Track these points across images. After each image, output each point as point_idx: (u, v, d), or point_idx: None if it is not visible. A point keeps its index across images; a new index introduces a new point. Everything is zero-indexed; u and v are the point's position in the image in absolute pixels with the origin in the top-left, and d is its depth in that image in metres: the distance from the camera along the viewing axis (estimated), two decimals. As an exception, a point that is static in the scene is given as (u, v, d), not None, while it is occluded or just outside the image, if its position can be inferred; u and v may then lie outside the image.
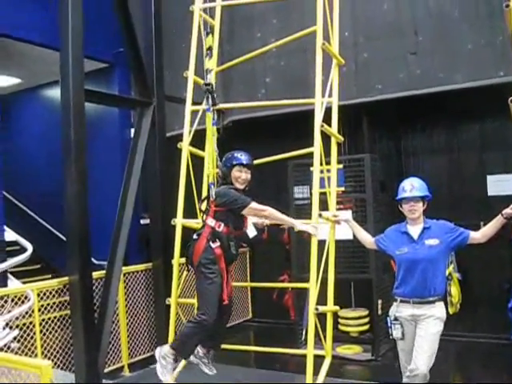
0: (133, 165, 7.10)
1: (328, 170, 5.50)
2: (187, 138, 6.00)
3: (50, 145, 9.09)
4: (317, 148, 5.09)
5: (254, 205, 4.90)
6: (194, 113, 6.13)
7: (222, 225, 4.93)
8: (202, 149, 6.06)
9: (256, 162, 6.02)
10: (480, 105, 7.19)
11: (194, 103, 6.13)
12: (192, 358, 5.13)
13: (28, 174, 11.01)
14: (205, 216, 5.09)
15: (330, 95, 5.62)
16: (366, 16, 7.43)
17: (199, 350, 5.12)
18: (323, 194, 5.40)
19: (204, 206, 5.26)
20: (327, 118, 5.42)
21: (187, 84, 6.16)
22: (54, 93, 9.91)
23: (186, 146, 5.96)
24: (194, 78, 6.14)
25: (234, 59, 6.81)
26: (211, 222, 4.96)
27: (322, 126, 5.11)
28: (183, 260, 6.03)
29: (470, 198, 7.62)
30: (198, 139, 6.04)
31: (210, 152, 5.69)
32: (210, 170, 5.60)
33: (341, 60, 5.81)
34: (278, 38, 6.67)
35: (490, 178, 7.54)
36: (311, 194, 5.38)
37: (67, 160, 6.09)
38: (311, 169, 5.31)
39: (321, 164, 5.17)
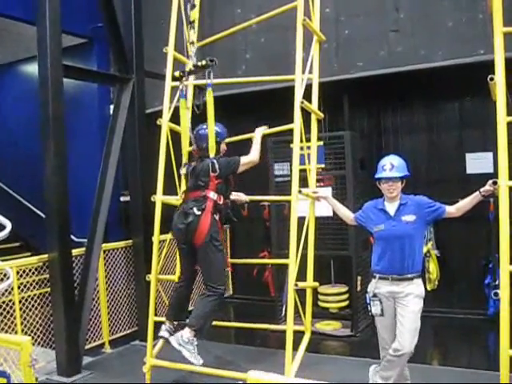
0: (112, 141, 7.03)
1: (308, 147, 5.50)
2: (167, 114, 5.95)
3: (29, 122, 9.00)
4: (297, 125, 5.08)
5: (243, 159, 5.28)
6: (174, 89, 6.08)
7: (222, 197, 5.18)
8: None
9: (235, 138, 6.03)
10: (460, 83, 7.21)
11: (174, 79, 6.07)
12: (177, 346, 5.07)
13: (6, 151, 10.89)
14: (200, 191, 5.14)
15: (311, 72, 5.59)
16: (348, -8, 7.38)
17: (183, 333, 5.07)
18: (303, 171, 5.41)
19: (183, 171, 5.46)
20: (308, 95, 5.39)
21: (167, 60, 6.09)
22: (32, 68, 9.78)
23: (165, 123, 5.92)
24: (174, 54, 6.07)
25: (214, 35, 6.73)
26: (213, 195, 5.13)
27: (302, 102, 5.09)
28: (163, 237, 6.07)
29: (449, 176, 7.68)
30: (178, 115, 5.99)
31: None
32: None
33: (322, 36, 5.78)
34: (258, 14, 6.59)
35: (468, 156, 7.60)
36: (291, 170, 5.38)
37: (46, 137, 6.02)
38: (291, 145, 5.30)
39: (301, 141, 5.17)
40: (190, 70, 5.74)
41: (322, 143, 6.70)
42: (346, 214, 5.05)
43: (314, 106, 5.57)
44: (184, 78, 5.63)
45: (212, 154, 5.25)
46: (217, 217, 5.16)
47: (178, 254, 5.62)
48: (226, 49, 7.67)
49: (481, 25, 6.54)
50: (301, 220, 5.22)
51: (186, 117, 5.68)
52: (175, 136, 5.99)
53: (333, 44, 7.24)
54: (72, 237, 6.49)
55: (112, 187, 6.98)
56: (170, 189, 5.94)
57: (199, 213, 5.05)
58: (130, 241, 7.41)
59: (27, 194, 10.60)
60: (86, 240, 6.86)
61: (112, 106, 7.56)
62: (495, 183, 4.24)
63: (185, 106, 5.73)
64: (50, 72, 5.94)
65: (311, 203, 5.37)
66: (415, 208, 4.59)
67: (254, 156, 5.35)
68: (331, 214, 6.12)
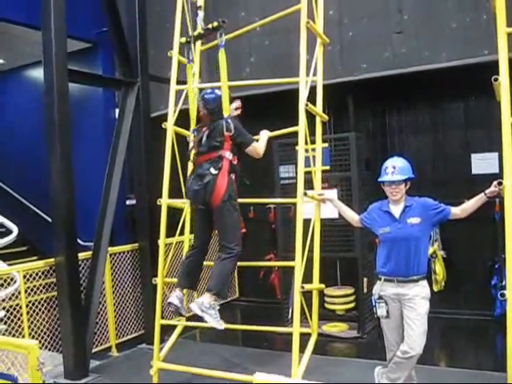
0: (118, 145, 7.06)
1: (313, 149, 5.51)
2: (172, 117, 5.97)
3: (35, 127, 9.04)
4: (301, 127, 5.08)
5: (255, 144, 5.19)
6: (179, 92, 6.10)
7: (236, 158, 5.11)
8: (187, 128, 6.04)
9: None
10: (465, 83, 7.21)
11: (179, 82, 6.10)
12: (199, 312, 4.94)
13: (13, 155, 10.94)
14: (216, 152, 5.06)
15: (315, 74, 5.60)
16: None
17: (205, 299, 4.95)
18: (309, 173, 5.42)
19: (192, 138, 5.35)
20: (312, 97, 5.41)
21: (171, 63, 6.12)
22: (38, 73, 9.82)
23: (170, 126, 5.94)
24: (179, 58, 6.09)
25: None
26: (229, 155, 5.05)
27: (307, 104, 5.10)
28: (169, 240, 6.08)
29: (455, 177, 7.67)
30: (183, 119, 6.01)
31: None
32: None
33: (325, 39, 5.79)
34: (262, 17, 6.61)
35: (474, 157, 7.59)
36: (297, 173, 5.38)
37: (52, 142, 6.05)
38: (296, 148, 5.31)
39: (306, 143, 5.17)
40: (199, 33, 5.78)
41: (326, 145, 6.71)
42: (352, 216, 5.05)
43: (318, 108, 5.58)
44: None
45: (226, 115, 5.23)
46: (233, 176, 5.09)
47: (193, 220, 5.51)
48: (231, 52, 7.63)
49: (484, 25, 6.53)
50: (306, 222, 5.22)
51: (191, 81, 5.72)
52: (180, 139, 6.01)
53: (337, 46, 7.25)
54: (78, 240, 6.51)
55: (118, 191, 7.00)
56: (175, 192, 5.96)
57: (216, 172, 4.98)
58: (136, 244, 7.43)
59: (34, 199, 10.64)
60: (92, 244, 6.88)
61: (117, 110, 7.58)
62: (500, 184, 4.23)
63: (191, 72, 5.76)
64: (56, 77, 5.97)
65: (317, 205, 5.37)
66: (420, 210, 4.58)
67: (261, 147, 5.26)
68: (337, 215, 6.12)
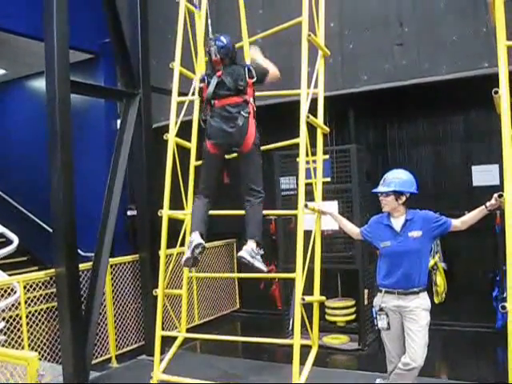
0: (119, 156, 7.07)
1: (314, 161, 5.51)
2: (173, 129, 5.98)
3: (36, 136, 9.07)
4: (302, 139, 5.09)
5: (269, 72, 5.24)
6: (180, 104, 6.11)
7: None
8: (189, 140, 6.05)
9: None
10: (465, 95, 7.23)
11: (180, 94, 6.11)
12: (250, 259, 4.97)
13: (14, 166, 10.96)
14: (240, 96, 5.07)
15: (316, 86, 5.61)
16: (352, 7, 7.45)
17: (252, 245, 5.00)
18: (309, 185, 5.42)
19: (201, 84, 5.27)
20: (313, 109, 5.42)
21: (173, 75, 6.13)
22: (40, 84, 9.87)
23: (172, 138, 5.94)
24: (180, 69, 6.11)
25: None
26: (252, 101, 5.12)
27: (308, 117, 5.11)
28: (170, 251, 6.07)
29: (455, 189, 7.68)
30: (185, 130, 6.02)
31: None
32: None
33: (327, 51, 5.80)
34: (264, 28, 6.64)
35: (474, 169, 7.60)
36: (298, 184, 5.38)
37: (53, 151, 6.06)
38: (297, 159, 5.31)
39: (307, 155, 5.18)
40: None
41: (327, 157, 6.72)
42: (352, 230, 5.06)
43: (319, 120, 5.59)
44: None
45: (248, 61, 5.29)
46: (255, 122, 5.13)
47: (204, 169, 5.38)
48: (232, 63, 7.71)
49: (484, 38, 6.58)
50: (307, 233, 5.22)
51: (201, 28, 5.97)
52: (182, 151, 6.02)
53: (338, 58, 7.29)
54: (79, 251, 6.51)
55: (119, 201, 7.01)
56: (176, 203, 5.96)
57: (247, 115, 5.00)
58: (137, 255, 7.42)
59: (34, 208, 10.65)
60: (92, 254, 6.87)
61: (119, 121, 7.60)
62: (501, 196, 4.23)
63: (200, 17, 6.04)
64: (58, 88, 5.99)
65: (317, 217, 5.37)
66: (421, 223, 4.59)
67: (272, 68, 5.31)
68: (337, 227, 6.12)
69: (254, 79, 5.09)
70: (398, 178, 4.68)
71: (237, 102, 5.06)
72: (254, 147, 5.07)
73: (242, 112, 4.99)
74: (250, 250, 4.97)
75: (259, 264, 5.00)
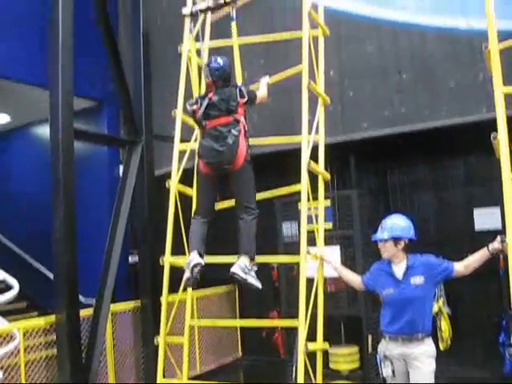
0: (121, 203, 7.10)
1: (315, 207, 5.53)
2: (175, 176, 6.02)
3: (39, 182, 9.09)
4: (304, 186, 5.13)
5: (258, 95, 5.48)
6: (182, 151, 6.18)
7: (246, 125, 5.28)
8: (191, 187, 6.09)
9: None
10: (464, 140, 7.29)
11: (183, 141, 6.19)
12: (243, 275, 4.96)
13: (16, 211, 10.97)
14: (231, 116, 5.15)
15: (317, 133, 5.68)
16: (351, 56, 7.59)
17: (245, 261, 4.99)
18: (311, 231, 5.42)
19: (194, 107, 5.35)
20: (314, 155, 5.47)
21: (176, 122, 6.22)
22: (44, 131, 9.97)
23: (174, 185, 5.98)
24: (182, 117, 6.20)
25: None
26: (243, 120, 5.21)
27: (309, 164, 5.16)
28: (171, 298, 6.03)
29: (458, 233, 7.66)
30: (187, 177, 6.06)
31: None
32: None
33: (326, 99, 5.90)
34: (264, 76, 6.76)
35: (476, 212, 7.60)
36: (299, 230, 5.39)
37: (56, 199, 6.08)
38: (299, 206, 5.33)
39: (308, 201, 5.20)
40: (208, 7, 6.06)
41: (329, 203, 6.74)
42: (354, 280, 5.00)
43: (320, 167, 5.63)
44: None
45: (239, 83, 5.44)
46: (247, 141, 5.21)
47: (198, 190, 5.48)
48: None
49: (482, 84, 6.68)
50: (310, 280, 5.20)
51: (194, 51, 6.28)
52: (184, 198, 6.05)
53: (338, 105, 7.38)
54: (79, 297, 6.46)
55: (121, 247, 7.00)
56: (178, 249, 5.95)
57: (237, 134, 5.05)
58: (139, 302, 7.36)
59: (35, 254, 10.61)
60: (93, 300, 6.82)
61: (121, 167, 7.65)
62: (503, 241, 4.23)
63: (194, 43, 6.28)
64: (62, 136, 6.05)
65: (320, 264, 5.35)
66: (423, 269, 4.56)
67: (264, 93, 5.56)
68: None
69: (245, 99, 5.21)
70: (396, 224, 4.67)
71: (227, 121, 5.14)
72: (246, 164, 5.10)
73: (232, 131, 5.06)
74: (243, 266, 4.95)
75: (253, 280, 4.99)
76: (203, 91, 5.94)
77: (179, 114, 6.19)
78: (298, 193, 5.23)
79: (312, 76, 5.70)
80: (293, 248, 6.91)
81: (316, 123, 5.68)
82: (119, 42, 7.55)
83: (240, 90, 5.23)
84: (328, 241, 6.79)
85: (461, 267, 4.55)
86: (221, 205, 5.87)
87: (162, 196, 6.75)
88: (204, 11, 6.22)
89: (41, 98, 7.25)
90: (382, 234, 4.65)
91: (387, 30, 7.46)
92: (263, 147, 7.42)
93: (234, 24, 6.05)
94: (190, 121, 6.27)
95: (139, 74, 7.38)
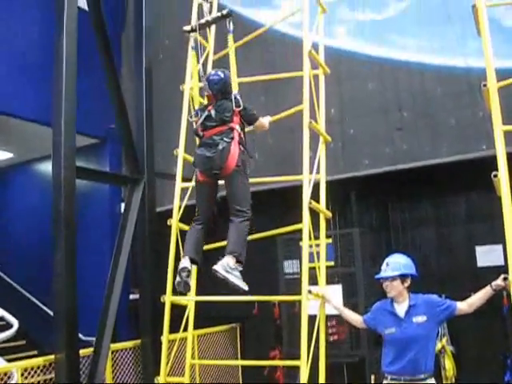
0: (122, 240, 7.09)
1: (317, 245, 5.52)
2: (177, 214, 6.02)
3: (40, 219, 9.11)
4: (305, 224, 5.13)
5: (261, 119, 5.65)
6: (184, 189, 6.19)
7: (243, 134, 5.40)
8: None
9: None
10: (465, 177, 7.31)
11: (184, 180, 6.21)
12: (224, 273, 4.93)
13: (16, 248, 10.95)
14: (226, 125, 5.27)
15: (318, 171, 5.70)
16: (351, 94, 7.67)
17: (229, 260, 4.96)
18: (313, 269, 5.40)
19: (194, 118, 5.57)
20: (316, 192, 5.48)
21: (178, 160, 6.25)
22: (46, 167, 10.02)
23: (175, 223, 5.98)
24: (184, 156, 6.23)
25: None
26: (238, 127, 5.31)
27: (310, 203, 5.17)
28: (172, 336, 5.97)
29: (460, 270, 7.61)
30: (188, 215, 6.06)
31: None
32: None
33: (328, 138, 5.94)
34: (265, 115, 6.81)
35: (478, 249, 7.56)
36: (301, 268, 5.37)
37: (57, 237, 6.07)
38: (300, 243, 5.32)
39: (309, 238, 5.20)
40: (207, 21, 6.23)
41: (330, 240, 6.73)
42: (355, 319, 5.00)
43: (321, 204, 5.64)
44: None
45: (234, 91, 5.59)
46: (242, 148, 5.28)
47: (196, 197, 5.55)
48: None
49: (481, 122, 6.72)
50: (312, 318, 5.16)
51: (196, 67, 6.31)
52: (185, 236, 6.03)
53: (339, 143, 7.43)
54: (79, 335, 6.40)
55: (122, 285, 6.96)
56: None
57: (229, 140, 5.17)
58: (139, 341, 7.28)
59: (35, 291, 10.55)
60: (93, 338, 6.75)
61: (123, 204, 7.66)
62: (506, 279, 4.22)
63: (196, 59, 6.36)
64: (64, 173, 6.07)
65: (321, 303, 5.32)
66: (425, 308, 4.53)
67: (267, 122, 5.73)
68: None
69: (241, 108, 5.33)
70: (402, 262, 4.69)
71: (221, 130, 5.28)
72: (238, 169, 5.17)
73: (224, 138, 5.19)
74: (225, 265, 4.95)
75: (235, 279, 4.94)
76: None
77: (181, 153, 6.22)
78: (300, 231, 5.22)
79: (313, 114, 5.74)
80: (294, 285, 6.87)
81: (317, 161, 5.70)
82: (122, 79, 7.63)
83: (236, 99, 5.38)
84: (330, 278, 6.76)
85: (464, 306, 4.54)
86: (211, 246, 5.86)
87: (163, 233, 6.73)
88: (203, 25, 6.39)
89: (44, 135, 7.31)
90: (389, 271, 4.62)
91: (387, 68, 7.58)
92: (265, 185, 7.47)
93: (230, 37, 6.26)
94: (192, 159, 6.32)
95: (141, 112, 7.45)
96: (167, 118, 8.40)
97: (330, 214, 5.77)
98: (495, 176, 4.37)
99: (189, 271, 5.17)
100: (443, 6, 7.29)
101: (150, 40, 7.66)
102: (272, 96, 7.97)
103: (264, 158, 7.99)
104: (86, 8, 6.93)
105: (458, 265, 7.67)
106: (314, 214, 5.50)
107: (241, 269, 5.02)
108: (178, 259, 5.83)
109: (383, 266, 4.69)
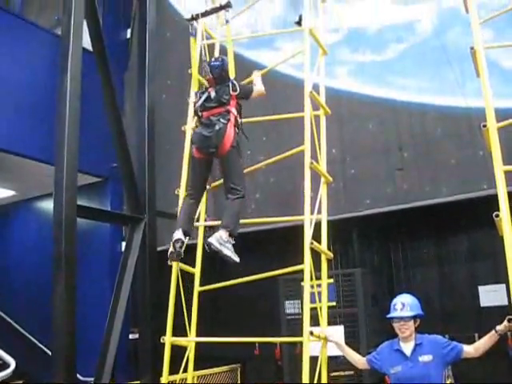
0: (123, 279, 7.04)
1: (318, 285, 5.48)
2: (177, 256, 5.99)
3: (41, 257, 9.08)
4: (307, 265, 5.10)
5: (255, 89, 5.92)
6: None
7: (239, 117, 5.74)
8: (193, 264, 6.06)
9: (247, 279, 5.99)
10: (466, 216, 7.32)
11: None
12: (217, 245, 5.19)
13: (15, 286, 10.89)
14: (223, 107, 5.60)
15: (319, 212, 5.70)
16: (352, 134, 7.74)
17: (222, 234, 5.24)
18: (314, 309, 5.35)
19: (194, 99, 5.89)
20: (317, 232, 5.47)
21: (179, 200, 6.24)
22: (47, 205, 10.04)
23: (176, 263, 5.94)
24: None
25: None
26: (235, 111, 5.66)
27: (312, 243, 5.16)
28: (172, 378, 5.88)
29: (463, 310, 7.56)
30: (189, 254, 6.04)
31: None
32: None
33: (329, 178, 5.95)
34: (266, 154, 6.86)
35: (481, 289, 7.51)
36: (302, 309, 5.32)
37: (57, 275, 6.03)
38: (302, 284, 5.29)
39: (311, 279, 5.16)
40: (206, 11, 6.44)
41: (332, 281, 6.70)
42: (357, 359, 4.92)
43: (323, 245, 5.62)
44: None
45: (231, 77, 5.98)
46: (237, 130, 5.63)
47: (190, 173, 5.91)
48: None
49: (482, 161, 6.74)
50: (313, 359, 5.09)
51: (195, 52, 6.54)
52: (186, 275, 6.01)
53: (340, 183, 7.46)
54: (78, 375, 6.30)
55: (121, 325, 6.88)
56: (180, 329, 5.86)
57: (226, 121, 5.50)
58: (138, 382, 7.17)
59: (34, 330, 10.44)
60: (92, 379, 6.65)
61: (124, 243, 7.64)
62: (510, 321, 4.18)
63: (195, 44, 6.60)
64: (65, 212, 6.06)
65: (323, 344, 5.26)
66: (431, 348, 4.47)
67: (261, 88, 5.94)
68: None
69: (237, 92, 5.68)
70: (415, 302, 4.64)
71: (219, 112, 5.64)
72: (233, 149, 5.50)
73: (221, 119, 5.53)
74: (218, 238, 5.22)
75: (228, 252, 5.22)
76: None
77: (182, 193, 6.22)
78: (301, 271, 5.19)
79: (314, 154, 5.77)
80: (296, 325, 6.81)
81: (318, 202, 5.71)
82: (124, 118, 7.68)
83: (233, 84, 5.72)
84: (331, 319, 6.70)
85: (470, 349, 4.48)
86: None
87: (163, 272, 6.70)
88: (203, 15, 6.56)
89: (46, 172, 7.34)
90: (408, 312, 4.57)
91: (388, 108, 7.65)
92: (266, 224, 7.45)
93: (228, 27, 6.62)
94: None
95: (143, 152, 7.48)
96: (169, 157, 8.45)
97: (331, 255, 5.74)
98: (497, 216, 4.37)
99: (182, 242, 5.46)
100: (442, 48, 7.41)
101: (152, 80, 7.75)
102: (273, 136, 8.04)
103: (265, 197, 8.00)
104: (91, 48, 7.03)
105: (460, 305, 7.62)
106: (316, 254, 5.48)
107: (233, 242, 5.29)
108: (178, 300, 5.79)
109: (398, 306, 4.59)
